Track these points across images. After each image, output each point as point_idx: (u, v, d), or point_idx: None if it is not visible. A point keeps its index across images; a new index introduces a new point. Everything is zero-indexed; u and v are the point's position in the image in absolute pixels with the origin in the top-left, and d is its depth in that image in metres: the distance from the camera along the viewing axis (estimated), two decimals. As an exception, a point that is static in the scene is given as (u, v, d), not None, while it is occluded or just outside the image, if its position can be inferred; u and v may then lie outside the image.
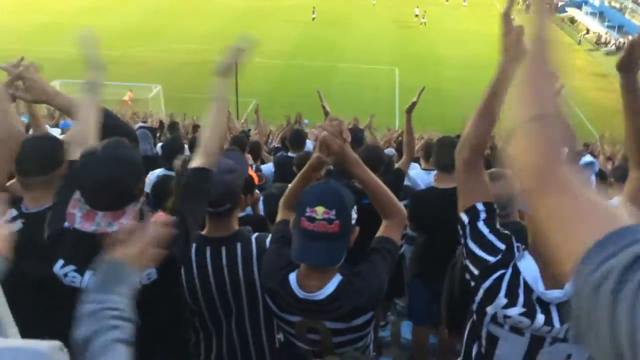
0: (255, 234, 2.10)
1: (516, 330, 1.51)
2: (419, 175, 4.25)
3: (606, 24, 36.95)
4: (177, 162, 2.30)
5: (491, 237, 1.55)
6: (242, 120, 16.36)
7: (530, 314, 1.47)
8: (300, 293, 1.64)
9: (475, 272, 1.55)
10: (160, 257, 1.33)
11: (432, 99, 20.49)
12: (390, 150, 7.10)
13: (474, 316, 1.63)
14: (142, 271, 1.28)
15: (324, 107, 4.08)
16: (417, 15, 36.18)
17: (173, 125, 7.23)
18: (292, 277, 1.68)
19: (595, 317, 0.59)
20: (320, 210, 1.55)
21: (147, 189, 3.65)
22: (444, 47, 31.08)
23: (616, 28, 35.70)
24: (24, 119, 4.40)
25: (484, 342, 1.61)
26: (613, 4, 40.12)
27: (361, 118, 11.66)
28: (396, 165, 3.84)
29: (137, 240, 1.26)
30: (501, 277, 1.51)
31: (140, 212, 1.76)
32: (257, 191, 3.15)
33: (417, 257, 3.64)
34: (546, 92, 0.85)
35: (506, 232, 1.57)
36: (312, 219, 1.55)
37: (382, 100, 22.62)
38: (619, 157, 6.15)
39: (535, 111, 0.82)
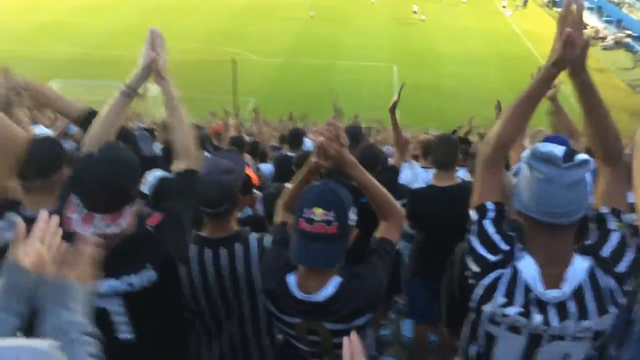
0: (255, 234, 2.10)
1: (514, 329, 1.52)
2: (418, 174, 4.25)
3: (604, 18, 36.88)
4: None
5: (495, 237, 1.55)
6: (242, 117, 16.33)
7: (527, 313, 1.47)
8: (299, 294, 1.65)
9: (476, 269, 1.56)
10: (94, 275, 1.32)
11: (431, 95, 20.49)
12: (388, 148, 7.10)
13: (472, 315, 1.64)
14: (87, 288, 1.26)
15: (335, 106, 4.09)
16: (415, 12, 36.09)
17: (165, 125, 7.18)
18: (291, 278, 1.69)
19: None
20: (318, 212, 1.55)
21: (146, 190, 3.66)
22: (443, 44, 31.02)
23: (614, 22, 35.62)
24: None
25: (481, 340, 1.62)
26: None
27: (360, 115, 11.65)
28: (391, 163, 3.84)
29: (77, 258, 1.26)
30: (500, 276, 1.51)
31: (140, 213, 1.77)
32: (256, 191, 3.16)
33: (416, 255, 3.65)
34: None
35: (511, 233, 1.57)
36: (310, 221, 1.56)
37: (380, 97, 22.54)
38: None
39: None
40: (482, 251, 1.55)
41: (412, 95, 23.89)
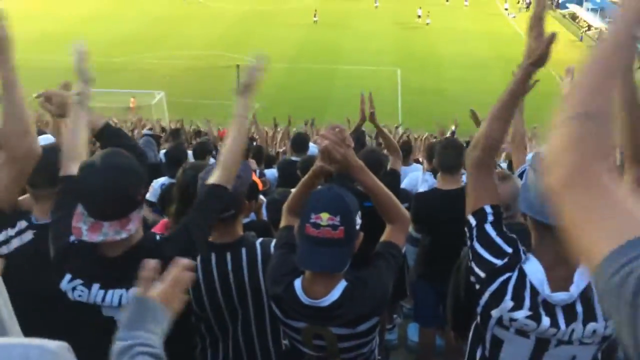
0: (260, 239, 2.11)
1: (522, 333, 1.51)
2: (422, 177, 4.24)
3: (607, 19, 36.78)
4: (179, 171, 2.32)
5: (498, 240, 1.55)
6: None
7: (536, 316, 1.46)
8: (305, 299, 1.65)
9: (482, 274, 1.55)
10: (184, 301, 1.32)
11: (434, 99, 20.49)
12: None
13: (478, 319, 1.63)
14: (172, 313, 1.27)
15: (362, 112, 4.06)
16: (419, 16, 36.09)
17: (176, 132, 7.24)
18: (297, 283, 1.68)
19: (617, 315, 0.61)
20: (325, 217, 1.55)
21: (153, 197, 3.68)
22: (446, 47, 31.04)
23: (618, 24, 35.50)
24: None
25: (488, 344, 1.61)
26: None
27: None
28: (389, 167, 3.83)
29: (167, 280, 1.26)
30: (507, 280, 1.50)
31: (144, 219, 1.77)
32: (261, 197, 3.16)
33: (422, 259, 3.64)
34: (604, 91, 0.83)
35: (512, 235, 1.57)
36: (317, 226, 1.56)
37: (384, 101, 22.58)
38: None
39: (587, 109, 0.81)
40: (487, 256, 1.54)
41: (416, 99, 23.97)
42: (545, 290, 1.45)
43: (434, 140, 6.68)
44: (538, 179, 1.44)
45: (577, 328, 1.45)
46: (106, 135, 2.38)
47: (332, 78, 26.08)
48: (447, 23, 35.70)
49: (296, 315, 1.69)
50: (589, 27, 36.54)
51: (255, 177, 2.46)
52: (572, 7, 41.32)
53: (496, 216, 1.59)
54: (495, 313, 1.52)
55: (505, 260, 1.52)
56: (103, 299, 1.69)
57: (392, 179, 3.56)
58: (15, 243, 2.02)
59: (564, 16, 40.65)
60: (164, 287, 1.25)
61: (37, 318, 1.61)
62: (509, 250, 1.53)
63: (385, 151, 4.09)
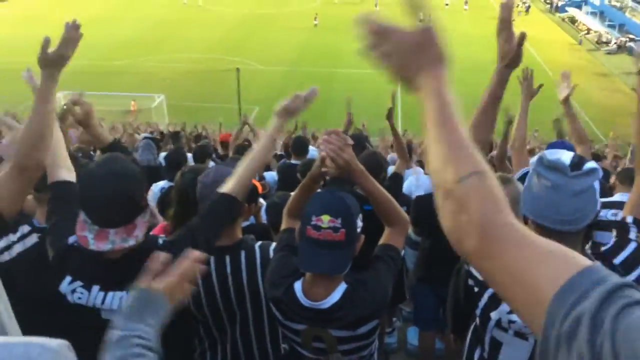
0: (259, 242, 2.11)
1: (520, 335, 1.51)
2: (422, 180, 4.24)
3: (607, 23, 36.87)
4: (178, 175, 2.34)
5: None
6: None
7: None
8: (305, 301, 1.65)
9: (480, 277, 1.55)
10: (190, 293, 1.32)
11: (434, 102, 20.42)
12: (392, 157, 7.09)
13: (477, 321, 1.63)
14: (175, 305, 1.27)
15: (348, 115, 4.10)
16: (421, 20, 36.07)
17: (175, 135, 7.25)
18: (298, 285, 1.69)
19: None
20: (325, 219, 1.56)
21: (152, 201, 3.68)
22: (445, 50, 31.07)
23: (617, 27, 35.61)
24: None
25: (487, 347, 1.61)
26: (613, 3, 40.06)
27: (363, 122, 11.65)
28: (393, 170, 3.84)
29: (173, 272, 1.26)
30: None
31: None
32: (260, 200, 3.16)
33: (422, 262, 3.63)
34: (470, 149, 0.80)
35: None
36: (317, 228, 1.56)
37: (383, 104, 22.63)
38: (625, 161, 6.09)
39: (466, 169, 0.78)
40: None
41: (415, 103, 23.92)
42: None
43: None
44: (540, 182, 1.44)
45: None
46: (113, 150, 2.43)
47: (332, 81, 26.10)
48: (447, 26, 35.70)
49: (296, 318, 1.69)
50: (588, 30, 36.63)
51: (254, 180, 2.46)
52: (571, 11, 41.42)
53: None
54: (494, 315, 1.53)
55: None
56: (103, 302, 1.69)
57: (395, 183, 3.56)
58: (17, 248, 2.02)
59: (563, 20, 40.74)
60: (171, 278, 1.25)
61: (37, 321, 1.61)
62: None
63: (392, 153, 4.11)
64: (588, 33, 36.09)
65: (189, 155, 5.43)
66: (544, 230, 1.46)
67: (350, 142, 1.70)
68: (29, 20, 35.86)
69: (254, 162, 1.92)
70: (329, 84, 25.76)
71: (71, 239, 1.71)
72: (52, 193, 1.88)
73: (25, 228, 2.06)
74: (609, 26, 36.25)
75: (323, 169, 1.75)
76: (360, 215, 1.66)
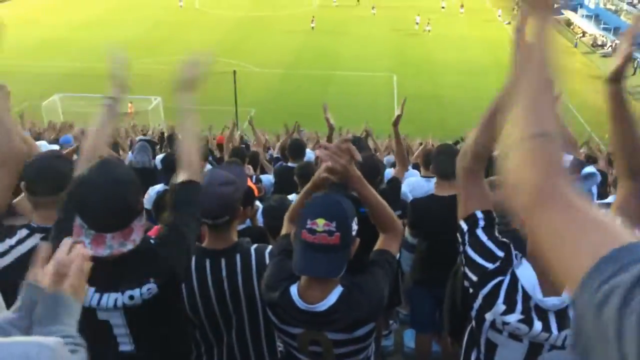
0: (255, 245, 2.11)
1: (514, 336, 1.52)
2: (419, 183, 4.25)
3: (602, 26, 37.03)
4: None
5: (490, 245, 1.57)
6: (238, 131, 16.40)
7: (528, 320, 1.48)
8: (301, 304, 1.65)
9: (474, 278, 1.56)
10: (85, 288, 1.31)
11: (431, 105, 20.57)
12: (391, 158, 7.11)
13: (473, 323, 1.64)
14: (82, 300, 1.26)
15: (327, 121, 4.12)
16: (417, 23, 36.16)
17: (172, 138, 7.22)
18: (293, 289, 1.69)
19: (600, 334, 0.58)
20: (321, 223, 1.56)
21: (148, 205, 3.68)
22: (442, 54, 31.18)
23: (612, 30, 35.78)
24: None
25: (482, 348, 1.62)
26: (608, 6, 40.27)
27: (360, 126, 11.66)
28: (392, 174, 3.85)
29: (70, 271, 1.25)
30: (499, 283, 1.52)
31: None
32: (257, 203, 3.16)
33: (418, 265, 3.64)
34: (546, 110, 0.84)
35: (504, 240, 1.58)
36: (313, 231, 1.57)
37: (380, 107, 22.66)
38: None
39: (535, 129, 0.81)
40: (479, 260, 1.56)
41: (413, 105, 24.00)
42: (537, 294, 1.46)
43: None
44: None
45: (570, 334, 1.46)
46: None
47: (329, 84, 26.15)
48: (443, 29, 35.88)
49: (292, 321, 1.69)
50: (584, 33, 36.82)
51: (250, 183, 2.46)
52: (567, 14, 41.63)
53: (487, 221, 1.61)
54: (488, 316, 1.53)
55: (497, 264, 1.53)
56: (98, 303, 1.69)
57: (393, 187, 3.57)
58: (15, 253, 2.01)
59: (559, 23, 40.92)
60: (71, 279, 1.23)
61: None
62: (501, 254, 1.54)
63: (388, 155, 4.13)
64: (583, 36, 36.28)
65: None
66: None
67: (359, 158, 1.71)
68: (28, 22, 35.81)
69: (190, 141, 1.95)
70: (325, 86, 25.80)
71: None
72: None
73: (23, 232, 2.06)
74: (604, 29, 36.42)
75: (319, 173, 1.76)
76: (356, 219, 1.67)
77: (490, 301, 1.52)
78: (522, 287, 1.49)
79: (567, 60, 31.71)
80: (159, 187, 3.99)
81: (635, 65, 29.35)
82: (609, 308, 0.58)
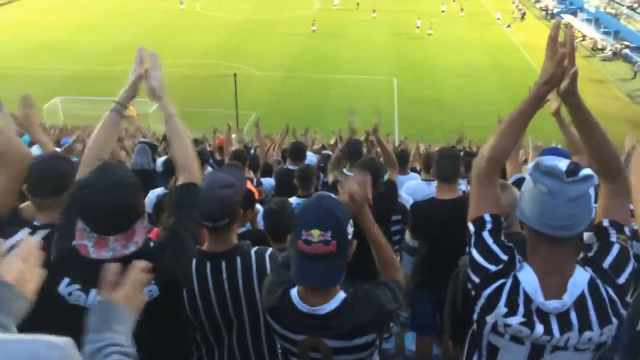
0: (255, 248, 2.11)
1: (516, 339, 1.52)
2: (419, 186, 4.26)
3: (602, 30, 37.09)
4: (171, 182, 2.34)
5: (494, 247, 1.58)
6: (245, 130, 16.38)
7: (529, 323, 1.48)
8: (302, 306, 1.64)
9: (477, 280, 1.57)
10: (143, 302, 1.36)
11: (431, 108, 20.59)
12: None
13: (475, 326, 1.64)
14: (136, 313, 1.31)
15: (351, 124, 4.14)
16: (418, 27, 36.18)
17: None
18: (294, 292, 1.69)
19: None
20: (316, 234, 1.55)
21: (149, 208, 3.68)
22: (442, 57, 31.22)
23: (612, 34, 35.85)
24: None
25: (484, 351, 1.62)
26: (608, 10, 40.35)
27: (360, 128, 11.65)
28: (387, 177, 3.85)
29: (128, 282, 1.29)
30: (501, 286, 1.52)
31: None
32: (257, 206, 3.16)
33: (419, 268, 3.64)
34: None
35: (509, 244, 1.59)
36: (308, 242, 1.56)
37: (380, 110, 22.68)
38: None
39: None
40: (483, 262, 1.57)
41: (413, 109, 24.06)
42: (538, 297, 1.47)
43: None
44: (536, 187, 1.46)
45: (573, 337, 1.47)
46: None
47: (329, 87, 26.18)
48: (443, 33, 35.94)
49: (294, 325, 1.68)
50: (584, 37, 36.86)
51: (251, 186, 2.46)
52: (567, 18, 41.69)
53: (495, 225, 1.62)
54: (490, 319, 1.54)
55: (500, 266, 1.54)
56: None
57: (390, 189, 3.58)
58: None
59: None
60: (126, 289, 1.27)
61: (38, 321, 1.60)
62: (504, 257, 1.55)
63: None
64: (583, 40, 36.32)
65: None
66: (538, 236, 1.48)
67: (369, 197, 1.78)
68: (30, 24, 35.90)
69: (182, 144, 1.94)
70: (326, 90, 25.83)
71: (75, 242, 1.72)
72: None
73: (25, 231, 2.07)
74: (604, 33, 36.48)
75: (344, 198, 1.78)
76: (351, 221, 1.66)
77: (492, 303, 1.52)
78: (524, 290, 1.49)
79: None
80: (159, 190, 3.99)
81: (636, 69, 29.43)
82: None
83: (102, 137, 1.99)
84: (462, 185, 4.17)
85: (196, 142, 9.65)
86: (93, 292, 1.69)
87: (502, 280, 1.52)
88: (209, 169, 5.45)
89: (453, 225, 2.79)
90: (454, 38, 35.18)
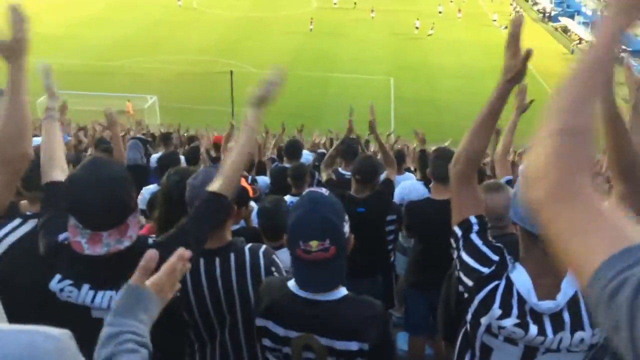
0: (249, 245, 2.10)
1: (510, 340, 1.52)
2: (414, 186, 4.25)
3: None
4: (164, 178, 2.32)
5: (484, 249, 1.58)
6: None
7: (523, 324, 1.48)
8: (301, 293, 1.64)
9: (470, 283, 1.56)
10: (178, 290, 1.34)
11: (427, 108, 20.62)
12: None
13: (467, 326, 1.64)
14: (164, 303, 1.29)
15: (350, 123, 4.15)
16: (417, 28, 36.18)
17: (166, 137, 7.19)
18: (291, 282, 1.69)
19: (612, 322, 0.62)
20: (314, 244, 1.56)
21: (143, 205, 3.66)
22: (439, 58, 31.27)
23: (609, 38, 35.96)
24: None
25: (477, 352, 1.62)
26: (605, 14, 40.48)
27: (357, 127, 11.63)
28: (385, 176, 3.85)
29: (163, 271, 1.27)
30: (495, 288, 1.52)
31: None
32: (252, 203, 3.14)
33: (413, 268, 3.64)
34: (587, 108, 0.84)
35: (498, 244, 1.59)
36: (308, 252, 1.57)
37: (377, 110, 22.62)
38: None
39: (578, 123, 0.82)
40: (474, 264, 1.56)
41: (409, 109, 24.09)
42: (532, 298, 1.47)
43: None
44: (523, 191, 1.46)
45: (565, 337, 1.47)
46: None
47: (327, 86, 26.17)
48: (441, 34, 35.98)
49: (291, 319, 1.67)
50: (580, 40, 37.03)
51: (245, 183, 2.45)
52: (564, 21, 41.86)
53: (481, 226, 1.62)
54: (484, 320, 1.54)
55: (492, 268, 1.54)
56: (92, 300, 1.68)
57: (387, 188, 3.58)
58: (8, 240, 2.01)
59: (555, 29, 41.16)
60: (159, 275, 1.26)
61: (28, 316, 1.59)
62: (495, 258, 1.55)
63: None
64: (580, 43, 36.48)
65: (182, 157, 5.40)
66: (531, 237, 1.48)
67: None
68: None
69: (239, 157, 1.91)
70: (323, 88, 25.82)
71: (61, 237, 1.70)
72: (46, 193, 1.88)
73: (16, 221, 2.06)
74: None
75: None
76: (347, 217, 1.65)
77: (486, 306, 1.52)
78: (517, 292, 1.49)
79: (564, 66, 31.83)
80: (153, 187, 3.98)
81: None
82: (620, 297, 0.61)
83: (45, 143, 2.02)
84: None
85: (193, 138, 9.61)
86: (85, 288, 1.68)
87: (495, 282, 1.52)
88: (202, 166, 5.44)
89: (448, 226, 2.79)
90: (451, 39, 35.23)
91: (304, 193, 1.73)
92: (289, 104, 23.58)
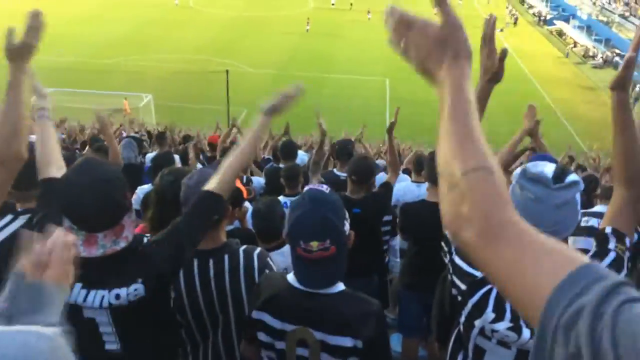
0: (244, 247, 2.10)
1: (503, 343, 1.53)
2: (409, 188, 4.26)
3: (594, 37, 37.49)
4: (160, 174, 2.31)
5: None
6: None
7: (517, 328, 1.48)
8: (300, 286, 1.65)
9: (463, 287, 1.56)
10: (72, 275, 1.24)
11: (423, 109, 20.66)
12: (382, 162, 7.12)
13: (460, 328, 1.64)
14: (67, 290, 1.22)
15: (320, 126, 4.14)
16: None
17: (161, 136, 7.15)
18: (290, 276, 1.70)
19: (571, 356, 0.58)
20: (315, 244, 1.57)
21: (137, 205, 3.65)
22: (435, 59, 31.34)
23: (603, 41, 36.24)
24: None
25: (470, 353, 1.62)
26: (600, 17, 40.79)
27: (352, 129, 11.68)
28: (385, 179, 3.86)
29: (55, 262, 1.20)
30: (489, 291, 1.52)
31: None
32: (246, 204, 3.14)
33: (407, 269, 3.64)
34: (481, 144, 0.81)
35: None
36: (308, 251, 1.58)
37: (372, 111, 22.74)
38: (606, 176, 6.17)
39: (475, 163, 0.78)
40: (467, 268, 1.57)
41: (405, 110, 24.09)
42: None
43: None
44: (522, 194, 1.46)
45: None
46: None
47: (322, 86, 26.17)
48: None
49: (289, 311, 1.66)
50: (575, 44, 37.23)
51: (239, 184, 2.44)
52: (559, 24, 42.08)
53: None
54: (477, 323, 1.54)
55: None
56: (85, 299, 1.67)
57: (386, 191, 3.58)
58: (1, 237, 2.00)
59: (550, 33, 41.36)
60: (54, 268, 1.19)
61: None
62: None
63: (380, 159, 4.14)
64: (575, 46, 36.68)
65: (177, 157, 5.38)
66: None
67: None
68: (18, 16, 35.42)
69: (238, 159, 1.91)
70: (319, 89, 25.82)
71: None
72: (42, 190, 1.88)
73: (7, 218, 2.05)
74: (596, 40, 36.86)
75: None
76: (347, 216, 1.67)
77: (480, 309, 1.52)
78: None
79: (558, 69, 32.05)
80: (147, 187, 3.96)
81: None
82: (578, 329, 0.58)
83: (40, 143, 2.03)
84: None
85: (188, 137, 9.59)
86: (77, 287, 1.67)
87: (488, 286, 1.53)
88: (198, 165, 5.42)
89: (442, 229, 2.80)
90: (448, 41, 35.31)
91: (304, 191, 1.73)
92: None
